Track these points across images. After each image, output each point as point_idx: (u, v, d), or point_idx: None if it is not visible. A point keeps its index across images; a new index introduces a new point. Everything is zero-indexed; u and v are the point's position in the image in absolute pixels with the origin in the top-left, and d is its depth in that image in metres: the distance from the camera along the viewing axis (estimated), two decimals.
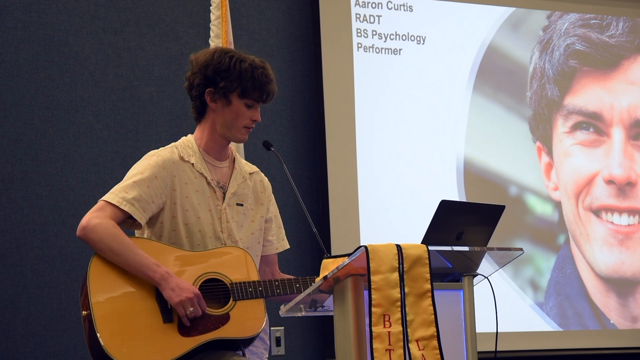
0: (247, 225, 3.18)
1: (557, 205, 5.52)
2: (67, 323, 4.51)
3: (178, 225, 3.06)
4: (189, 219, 3.07)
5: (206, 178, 3.12)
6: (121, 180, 3.07)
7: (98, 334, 2.84)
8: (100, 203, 3.01)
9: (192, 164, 3.11)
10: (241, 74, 3.06)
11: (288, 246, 3.36)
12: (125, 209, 2.98)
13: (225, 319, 2.97)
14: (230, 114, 3.09)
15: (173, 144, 3.16)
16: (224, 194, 3.15)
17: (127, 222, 3.04)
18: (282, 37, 5.11)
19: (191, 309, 2.89)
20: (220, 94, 3.08)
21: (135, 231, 3.14)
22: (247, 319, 2.98)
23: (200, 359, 2.95)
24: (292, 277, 3.15)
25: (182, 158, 3.11)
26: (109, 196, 3.01)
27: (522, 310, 5.33)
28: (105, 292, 2.90)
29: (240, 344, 3.01)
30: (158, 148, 3.19)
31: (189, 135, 3.20)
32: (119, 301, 2.91)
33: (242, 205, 3.18)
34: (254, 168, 3.30)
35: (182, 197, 3.07)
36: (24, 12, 4.64)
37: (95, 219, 2.96)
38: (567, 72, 5.62)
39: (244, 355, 3.05)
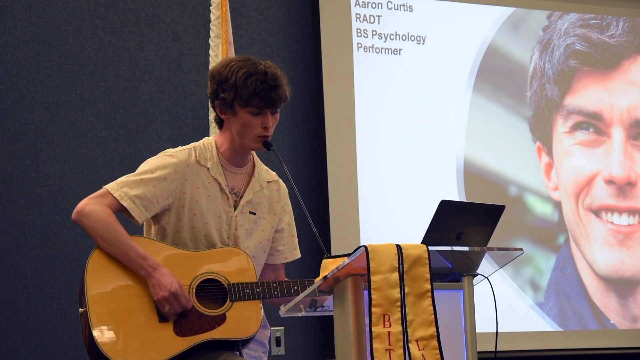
0: (257, 234, 3.16)
1: (557, 205, 5.52)
2: (67, 323, 4.51)
3: (184, 227, 3.05)
4: (196, 223, 3.05)
5: (220, 184, 3.09)
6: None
7: (93, 332, 2.85)
8: (102, 190, 3.00)
9: (208, 168, 3.09)
10: (236, 83, 3.01)
11: (299, 255, 3.33)
12: (125, 204, 2.97)
13: (221, 319, 2.96)
14: (238, 124, 3.05)
15: (193, 144, 3.13)
16: (239, 200, 3.13)
17: (126, 212, 3.01)
18: (282, 37, 5.11)
19: (167, 307, 2.88)
20: (226, 105, 3.05)
21: (144, 228, 3.14)
22: (243, 320, 2.98)
23: (196, 358, 2.94)
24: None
25: (198, 161, 3.08)
26: (112, 186, 3.00)
27: (522, 310, 5.33)
28: (102, 290, 2.90)
29: (238, 344, 3.01)
30: (158, 148, 3.18)
31: (211, 137, 3.17)
32: (116, 299, 2.91)
33: (254, 213, 3.15)
34: (274, 176, 3.26)
35: (191, 200, 3.05)
36: (24, 12, 4.64)
37: (91, 204, 2.95)
38: (567, 72, 5.62)
39: (241, 355, 3.05)
